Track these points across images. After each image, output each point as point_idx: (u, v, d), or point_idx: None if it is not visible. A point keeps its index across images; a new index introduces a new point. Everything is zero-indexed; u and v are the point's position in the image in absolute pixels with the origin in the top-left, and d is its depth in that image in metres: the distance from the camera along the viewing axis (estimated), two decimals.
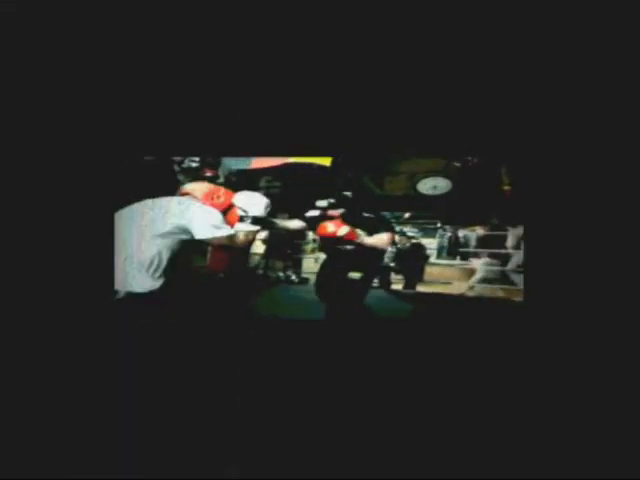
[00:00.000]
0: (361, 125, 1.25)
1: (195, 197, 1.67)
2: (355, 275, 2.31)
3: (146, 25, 1.19)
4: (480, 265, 4.19)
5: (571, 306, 1.12)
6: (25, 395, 1.14)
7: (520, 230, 3.52)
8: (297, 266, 5.18)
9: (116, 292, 1.41)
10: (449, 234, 4.68)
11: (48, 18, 1.15)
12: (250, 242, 1.66)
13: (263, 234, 4.84)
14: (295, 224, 2.17)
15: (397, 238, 2.30)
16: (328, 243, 2.37)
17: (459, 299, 3.86)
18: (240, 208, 1.68)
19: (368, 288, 2.37)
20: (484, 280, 4.03)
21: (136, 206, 1.59)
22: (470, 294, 4.04)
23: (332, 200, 2.35)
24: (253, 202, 1.70)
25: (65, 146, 1.18)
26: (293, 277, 4.83)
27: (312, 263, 5.38)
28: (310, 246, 5.52)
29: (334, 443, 1.24)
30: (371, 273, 2.42)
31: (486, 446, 1.19)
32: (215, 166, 2.46)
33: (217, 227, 1.56)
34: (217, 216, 1.59)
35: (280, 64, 1.22)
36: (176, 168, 2.32)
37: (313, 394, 1.28)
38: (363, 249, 2.24)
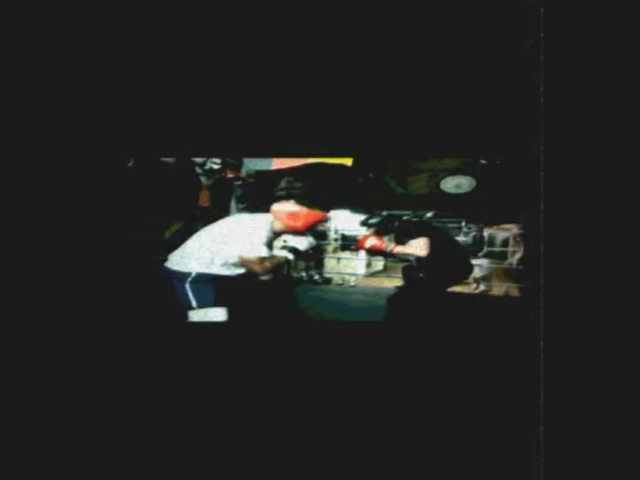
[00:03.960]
0: (381, 126, 1.24)
1: (279, 218, 1.76)
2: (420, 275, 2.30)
3: (167, 29, 1.21)
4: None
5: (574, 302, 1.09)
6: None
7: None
8: (320, 266, 5.19)
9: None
10: (474, 233, 4.58)
11: (67, 24, 1.19)
12: (269, 271, 1.71)
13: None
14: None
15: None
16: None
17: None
18: (285, 240, 1.79)
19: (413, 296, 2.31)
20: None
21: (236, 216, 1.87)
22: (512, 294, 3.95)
23: (377, 219, 2.36)
24: (299, 240, 1.78)
25: (82, 147, 1.22)
26: (316, 277, 4.83)
27: (334, 263, 5.38)
28: (332, 246, 5.52)
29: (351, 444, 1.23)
30: (409, 282, 2.35)
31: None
32: (237, 167, 2.49)
33: (251, 248, 1.64)
34: (258, 239, 1.65)
35: (300, 66, 1.22)
36: (198, 170, 2.36)
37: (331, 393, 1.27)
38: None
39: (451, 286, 2.38)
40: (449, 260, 2.21)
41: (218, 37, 1.22)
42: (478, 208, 3.49)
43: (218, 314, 1.65)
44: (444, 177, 3.10)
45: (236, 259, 1.68)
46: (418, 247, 2.12)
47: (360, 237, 2.37)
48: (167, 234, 2.49)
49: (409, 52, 1.20)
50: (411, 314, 2.17)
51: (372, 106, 1.23)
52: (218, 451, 1.24)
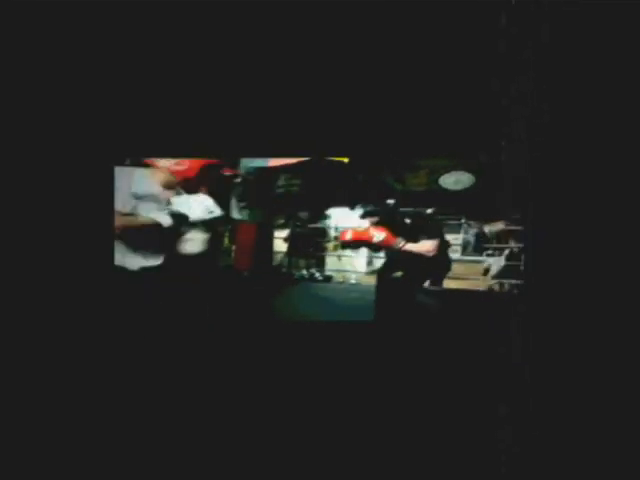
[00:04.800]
0: (375, 126, 1.24)
1: (156, 165, 1.48)
2: (397, 274, 2.26)
3: (166, 31, 1.22)
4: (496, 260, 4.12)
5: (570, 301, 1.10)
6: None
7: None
8: (320, 264, 5.19)
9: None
10: (475, 230, 4.57)
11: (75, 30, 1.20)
12: (119, 231, 1.34)
13: (285, 233, 4.88)
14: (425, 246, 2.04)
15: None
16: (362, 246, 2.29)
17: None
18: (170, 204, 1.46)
19: (413, 288, 2.28)
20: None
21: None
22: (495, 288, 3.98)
23: (373, 207, 2.30)
24: (190, 205, 1.47)
25: (78, 148, 1.23)
26: (317, 275, 4.84)
27: (335, 260, 5.37)
28: (332, 244, 5.52)
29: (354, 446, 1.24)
30: (415, 273, 2.26)
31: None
32: (234, 165, 2.49)
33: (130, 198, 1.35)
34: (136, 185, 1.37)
35: (296, 67, 1.23)
36: None
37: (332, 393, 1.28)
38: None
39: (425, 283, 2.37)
40: (435, 261, 2.16)
41: (218, 41, 1.22)
42: (478, 204, 3.48)
43: None
44: (443, 173, 3.09)
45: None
46: (429, 247, 2.06)
47: (358, 229, 2.24)
48: None
49: (404, 56, 1.21)
50: (409, 313, 2.16)
51: (366, 106, 1.24)
52: (216, 449, 1.25)
